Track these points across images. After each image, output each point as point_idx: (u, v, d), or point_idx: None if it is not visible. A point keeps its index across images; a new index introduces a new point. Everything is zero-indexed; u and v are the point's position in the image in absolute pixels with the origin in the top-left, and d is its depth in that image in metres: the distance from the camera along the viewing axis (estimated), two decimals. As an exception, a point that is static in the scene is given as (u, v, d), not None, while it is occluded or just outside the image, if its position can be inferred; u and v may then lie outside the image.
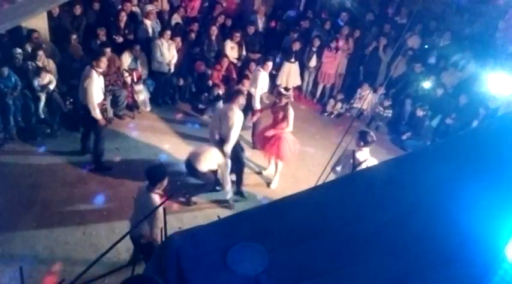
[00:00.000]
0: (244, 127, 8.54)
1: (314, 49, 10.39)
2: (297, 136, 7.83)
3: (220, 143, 6.54)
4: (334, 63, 10.55)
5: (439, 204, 2.61)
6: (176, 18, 10.02)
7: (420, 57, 10.31)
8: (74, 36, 8.17)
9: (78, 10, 8.80)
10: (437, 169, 2.87)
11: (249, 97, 8.33)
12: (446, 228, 2.44)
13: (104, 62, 6.70)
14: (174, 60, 9.03)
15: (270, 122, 7.40)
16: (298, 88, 10.96)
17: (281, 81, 10.38)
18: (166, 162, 7.54)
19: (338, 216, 2.70)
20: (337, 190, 3.01)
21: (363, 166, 5.56)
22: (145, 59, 8.84)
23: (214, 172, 6.84)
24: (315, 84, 11.04)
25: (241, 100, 6.73)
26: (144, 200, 4.67)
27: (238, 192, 7.21)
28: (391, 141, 9.84)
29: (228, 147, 6.49)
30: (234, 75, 9.57)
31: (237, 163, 7.04)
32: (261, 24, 11.00)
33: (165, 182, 4.76)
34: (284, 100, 7.06)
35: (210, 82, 9.32)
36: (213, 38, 9.65)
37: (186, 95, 9.77)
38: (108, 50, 7.81)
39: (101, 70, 6.69)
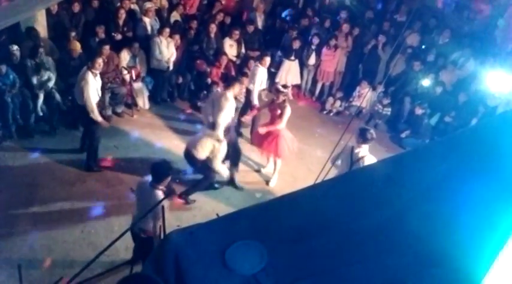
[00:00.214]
0: (244, 125, 8.59)
1: (313, 47, 10.39)
2: (296, 134, 7.83)
3: (213, 127, 6.53)
4: (333, 61, 10.55)
5: (438, 202, 2.61)
6: (175, 16, 10.00)
7: (419, 55, 10.31)
8: (73, 34, 8.14)
9: (76, 7, 8.77)
10: (436, 168, 2.86)
11: (248, 93, 8.33)
12: (446, 226, 2.44)
13: (99, 63, 6.67)
14: (172, 58, 9.01)
15: (268, 119, 7.39)
16: (297, 86, 10.96)
17: (280, 79, 10.37)
18: (165, 159, 7.52)
19: (337, 214, 2.70)
20: (336, 189, 3.00)
21: (361, 162, 5.57)
22: (144, 57, 8.82)
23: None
24: (314, 82, 11.04)
25: (238, 88, 6.74)
26: (149, 197, 4.66)
27: (231, 182, 7.20)
28: (390, 139, 9.84)
29: (218, 131, 6.44)
30: (233, 73, 9.55)
31: (234, 151, 7.06)
32: (260, 22, 10.99)
33: (169, 179, 4.79)
34: (282, 98, 7.05)
35: (209, 80, 9.32)
36: (212, 35, 9.63)
37: (185, 93, 9.77)
38: (106, 47, 7.79)
39: (96, 71, 6.66)
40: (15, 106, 7.22)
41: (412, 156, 3.33)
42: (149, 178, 4.81)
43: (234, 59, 9.87)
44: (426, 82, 9.79)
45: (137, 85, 8.73)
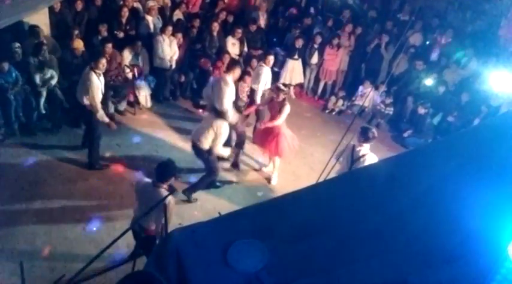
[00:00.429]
0: (247, 124, 8.59)
1: (316, 46, 10.38)
2: (298, 133, 7.83)
3: (215, 111, 6.53)
4: (335, 60, 10.55)
5: (440, 202, 2.60)
6: (178, 14, 10.00)
7: (422, 55, 10.29)
8: (76, 32, 8.15)
9: (79, 5, 8.77)
10: (439, 167, 2.86)
11: (252, 93, 8.32)
12: (448, 226, 2.43)
13: (102, 63, 6.65)
14: (175, 56, 9.02)
15: (267, 118, 7.38)
16: (300, 85, 10.96)
17: (285, 78, 10.37)
18: (167, 157, 7.53)
19: (339, 214, 2.69)
20: (338, 188, 3.00)
21: (361, 161, 5.57)
22: (147, 55, 8.83)
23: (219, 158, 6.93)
24: (317, 81, 11.04)
25: (237, 72, 6.71)
26: (152, 196, 4.67)
27: (235, 164, 7.28)
28: (392, 138, 9.83)
29: (228, 117, 6.48)
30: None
31: (239, 135, 7.22)
32: (262, 20, 10.99)
33: (173, 178, 4.84)
34: (282, 96, 7.03)
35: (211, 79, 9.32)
36: (215, 34, 9.63)
37: (187, 91, 9.78)
38: (109, 45, 7.81)
39: (100, 71, 6.66)
40: (18, 104, 7.23)
41: (414, 156, 3.32)
42: (146, 179, 4.85)
43: (237, 57, 9.86)
44: (429, 81, 9.78)
45: (140, 83, 8.74)
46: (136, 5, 9.56)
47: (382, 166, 3.23)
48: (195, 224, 2.73)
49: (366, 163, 5.46)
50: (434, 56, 10.35)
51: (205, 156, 6.56)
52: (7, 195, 6.23)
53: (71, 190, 6.58)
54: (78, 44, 7.88)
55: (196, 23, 9.68)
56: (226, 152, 6.79)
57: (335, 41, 10.29)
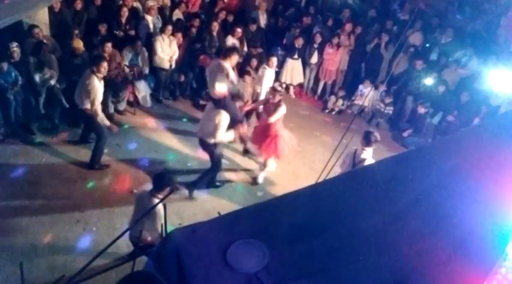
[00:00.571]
0: (249, 124, 8.58)
1: (315, 45, 10.37)
2: (298, 133, 7.83)
3: (213, 101, 6.59)
4: (335, 60, 10.54)
5: (439, 201, 2.60)
6: (177, 14, 9.99)
7: (422, 54, 10.29)
8: (76, 32, 8.14)
9: (79, 5, 8.76)
10: (438, 167, 2.86)
11: (257, 96, 8.32)
12: (448, 226, 2.43)
13: (104, 67, 6.65)
14: (175, 56, 9.01)
15: (263, 119, 7.35)
16: (300, 85, 10.96)
17: (285, 78, 10.38)
18: (166, 158, 7.55)
19: (339, 213, 2.69)
20: (338, 188, 3.00)
21: (363, 164, 5.58)
22: (147, 55, 8.82)
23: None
24: (316, 80, 11.04)
25: (235, 58, 6.66)
26: (146, 204, 4.79)
27: (246, 150, 7.40)
28: (392, 138, 9.83)
29: (232, 101, 6.60)
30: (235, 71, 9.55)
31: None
32: (262, 20, 10.98)
33: (168, 189, 4.93)
34: (278, 97, 7.02)
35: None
36: (215, 33, 9.61)
37: (187, 91, 9.77)
38: (109, 45, 7.80)
39: (101, 75, 6.65)
40: (18, 104, 7.22)
41: (414, 155, 3.32)
42: (145, 188, 5.05)
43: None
44: (429, 81, 9.77)
45: (139, 83, 8.73)
46: (136, 4, 9.55)
47: (382, 166, 3.23)
48: (195, 224, 2.73)
49: None
50: (433, 55, 10.34)
51: (211, 149, 6.61)
52: (7, 194, 6.22)
53: (70, 190, 6.57)
54: (78, 44, 7.87)
55: (196, 22, 9.67)
56: (230, 136, 6.79)
57: (335, 41, 10.28)
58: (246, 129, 6.92)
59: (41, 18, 7.96)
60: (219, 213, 3.15)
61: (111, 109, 8.28)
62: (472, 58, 9.84)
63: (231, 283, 2.38)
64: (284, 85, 10.56)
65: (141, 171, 7.13)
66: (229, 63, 6.55)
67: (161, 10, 9.80)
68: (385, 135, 9.63)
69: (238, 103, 6.94)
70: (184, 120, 8.96)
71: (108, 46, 7.82)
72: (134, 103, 8.78)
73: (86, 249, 5.59)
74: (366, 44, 10.71)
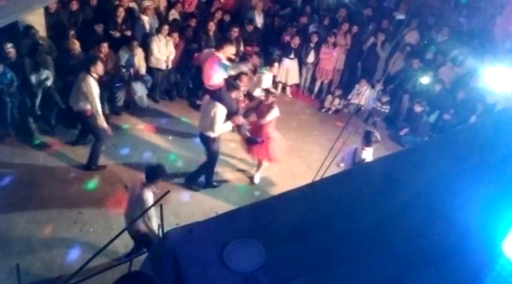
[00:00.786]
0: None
1: (312, 45, 10.38)
2: (295, 132, 7.84)
3: (209, 94, 6.60)
4: (331, 59, 10.54)
5: (436, 199, 2.61)
6: (174, 14, 9.98)
7: (418, 53, 10.31)
8: (72, 32, 8.12)
9: (74, 6, 8.73)
10: (435, 165, 2.87)
11: (251, 97, 8.32)
12: (443, 224, 2.44)
13: (100, 67, 6.65)
14: (171, 56, 9.00)
15: (253, 120, 7.30)
16: (296, 85, 10.97)
17: (280, 78, 10.38)
18: (163, 158, 7.53)
19: (335, 212, 2.70)
20: (335, 186, 3.00)
21: (362, 165, 5.59)
22: (143, 55, 8.80)
23: None
24: (313, 80, 11.05)
25: (228, 49, 6.57)
26: (138, 194, 4.88)
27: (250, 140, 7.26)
28: (389, 136, 9.84)
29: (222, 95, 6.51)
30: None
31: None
32: (258, 20, 10.97)
33: (159, 181, 5.00)
34: (271, 99, 7.00)
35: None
36: (211, 33, 9.60)
37: (184, 91, 9.76)
38: (105, 45, 7.78)
39: (96, 76, 6.64)
40: (14, 105, 7.19)
41: (410, 154, 3.33)
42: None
43: (233, 57, 9.84)
44: (425, 79, 9.80)
45: (136, 83, 8.71)
46: (132, 5, 9.53)
47: (378, 165, 3.24)
48: (191, 224, 2.73)
49: None
50: (429, 54, 10.35)
51: (209, 143, 6.67)
52: (3, 196, 6.21)
53: (67, 190, 6.56)
54: (74, 45, 7.85)
55: (193, 22, 9.66)
56: (228, 127, 6.80)
57: (331, 40, 10.28)
58: (242, 120, 6.91)
59: (37, 19, 7.93)
60: (215, 212, 3.15)
61: (107, 110, 8.26)
62: (468, 56, 9.87)
63: (228, 282, 2.38)
64: (280, 86, 10.63)
65: (138, 172, 7.12)
66: (223, 54, 6.47)
67: (157, 10, 9.78)
68: (382, 134, 9.56)
69: (234, 94, 6.90)
70: (181, 120, 8.95)
71: (105, 46, 7.80)
72: (131, 103, 8.76)
73: (83, 250, 5.58)
74: (362, 43, 10.73)
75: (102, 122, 6.75)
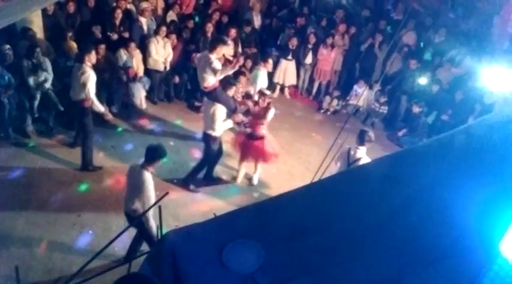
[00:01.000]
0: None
1: (310, 46, 10.39)
2: (293, 134, 7.84)
3: (207, 95, 6.69)
4: (329, 60, 10.56)
5: (434, 200, 2.61)
6: (171, 16, 9.98)
7: (416, 54, 10.33)
8: (70, 34, 8.12)
9: (71, 7, 8.73)
10: (433, 166, 2.87)
11: (248, 97, 8.31)
12: (441, 224, 2.44)
13: (93, 55, 6.73)
14: (169, 58, 9.01)
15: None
16: (294, 86, 10.98)
17: (278, 78, 10.39)
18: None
19: (334, 213, 2.70)
20: (333, 187, 3.01)
21: (358, 163, 5.60)
22: (141, 57, 8.80)
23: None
24: (311, 81, 11.06)
25: (220, 50, 6.57)
26: (137, 176, 4.93)
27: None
28: (387, 137, 9.86)
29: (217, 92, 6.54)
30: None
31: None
32: (256, 21, 10.98)
33: (159, 163, 5.06)
34: (267, 101, 7.01)
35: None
36: (209, 35, 9.60)
37: (182, 93, 9.76)
38: (102, 47, 7.78)
39: (90, 64, 6.68)
40: (12, 107, 7.19)
41: (409, 154, 3.33)
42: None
43: (231, 58, 9.84)
44: (423, 80, 9.81)
45: (134, 85, 8.71)
46: (130, 6, 9.53)
47: (377, 166, 3.24)
48: (190, 226, 2.73)
49: None
50: (427, 54, 10.38)
51: (209, 142, 6.74)
52: (1, 198, 6.19)
53: (66, 192, 6.56)
54: (72, 46, 7.85)
55: (190, 24, 9.66)
56: (229, 124, 6.88)
57: (329, 41, 10.30)
58: (241, 117, 6.95)
59: (35, 21, 7.94)
60: (214, 214, 3.15)
61: (106, 111, 8.24)
62: (466, 57, 9.88)
63: (227, 283, 2.38)
64: (278, 87, 10.63)
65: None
66: (216, 55, 6.50)
67: (155, 12, 9.78)
68: (380, 135, 9.65)
69: (230, 92, 6.93)
70: (179, 121, 8.95)
71: (102, 48, 7.80)
72: (129, 105, 8.76)
73: (81, 251, 5.57)
74: (360, 44, 10.74)
75: (98, 107, 6.84)
